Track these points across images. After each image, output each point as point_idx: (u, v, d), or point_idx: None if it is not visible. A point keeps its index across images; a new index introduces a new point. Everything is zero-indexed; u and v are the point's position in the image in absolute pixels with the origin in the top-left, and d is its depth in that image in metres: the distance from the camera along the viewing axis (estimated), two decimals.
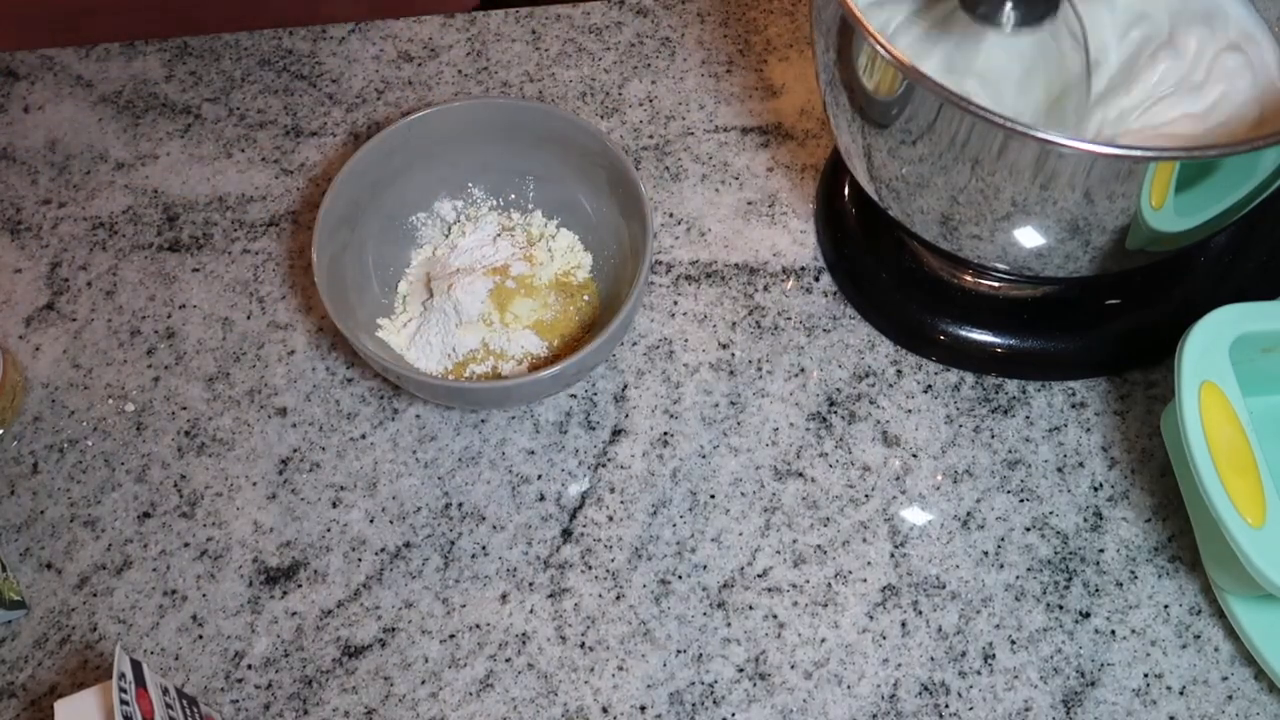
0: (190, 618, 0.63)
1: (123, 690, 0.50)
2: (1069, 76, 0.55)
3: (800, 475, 0.64)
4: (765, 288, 0.70)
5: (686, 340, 0.68)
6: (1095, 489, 0.62)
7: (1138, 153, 0.48)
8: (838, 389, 0.66)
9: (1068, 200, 0.51)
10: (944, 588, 0.61)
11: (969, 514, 0.62)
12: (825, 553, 0.62)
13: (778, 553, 0.62)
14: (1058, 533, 0.61)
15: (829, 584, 0.61)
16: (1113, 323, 0.66)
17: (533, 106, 0.69)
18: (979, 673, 0.58)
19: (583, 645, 0.61)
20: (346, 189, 0.66)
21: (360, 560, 0.64)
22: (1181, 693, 0.57)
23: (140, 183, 0.77)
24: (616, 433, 0.66)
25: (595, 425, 0.66)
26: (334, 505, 0.65)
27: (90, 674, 0.62)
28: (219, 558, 0.65)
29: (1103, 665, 0.58)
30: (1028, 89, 0.56)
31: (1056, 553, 0.61)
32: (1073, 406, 0.65)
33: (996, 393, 0.65)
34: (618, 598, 0.62)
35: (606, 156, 0.66)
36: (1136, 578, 0.60)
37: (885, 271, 0.69)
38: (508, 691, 0.60)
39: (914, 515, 0.62)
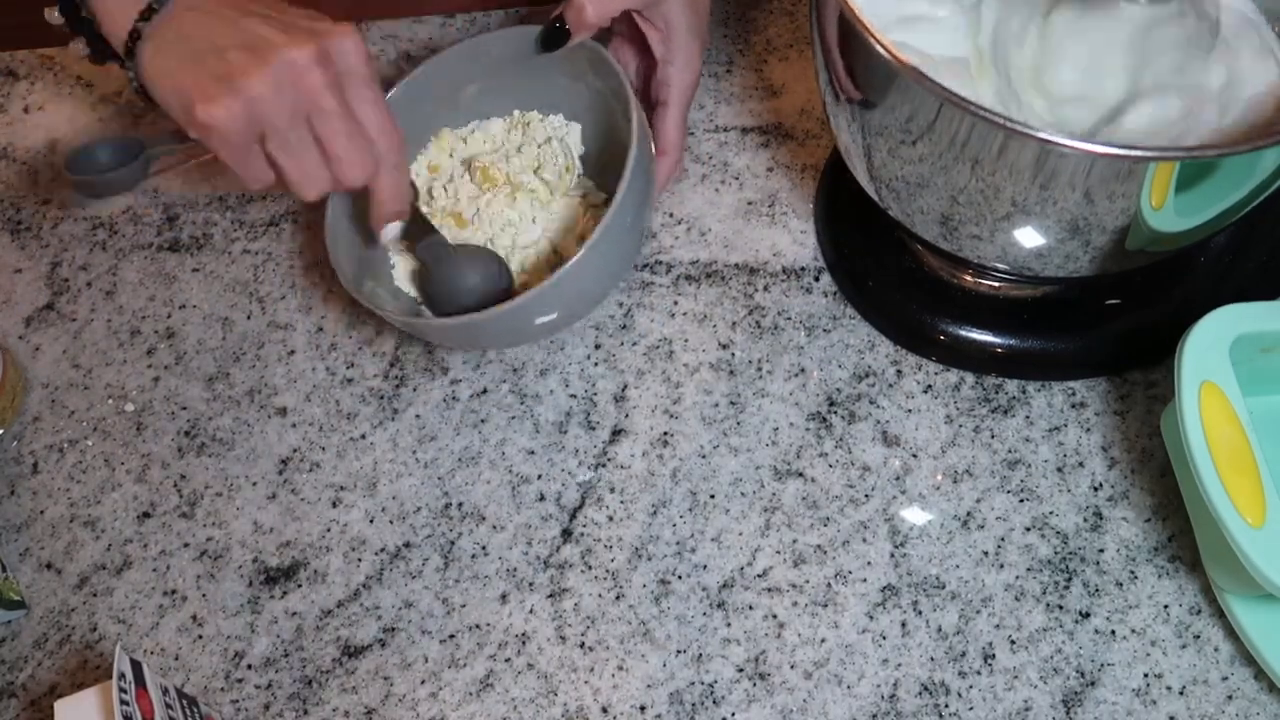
0: (190, 618, 0.63)
1: (123, 690, 0.50)
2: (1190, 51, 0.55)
3: (800, 475, 0.64)
4: (765, 288, 0.70)
5: (686, 340, 0.68)
6: (1095, 489, 0.62)
7: (1138, 153, 0.48)
8: (838, 389, 0.66)
9: (1068, 200, 0.51)
10: (944, 588, 0.61)
11: (969, 514, 0.62)
12: (825, 553, 0.62)
13: (778, 553, 0.62)
14: (1058, 533, 0.61)
15: (829, 584, 0.61)
16: (1113, 323, 0.66)
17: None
18: (979, 673, 0.58)
19: (583, 645, 0.61)
20: None
21: (360, 560, 0.64)
22: (1181, 693, 0.57)
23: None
24: (616, 433, 0.66)
25: (595, 425, 0.66)
26: (334, 505, 0.65)
27: (90, 674, 0.62)
28: (219, 558, 0.65)
29: (1103, 665, 0.58)
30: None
31: (1056, 553, 0.61)
32: (1073, 406, 0.65)
33: (996, 393, 0.65)
34: (618, 598, 0.62)
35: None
36: (1136, 578, 0.60)
37: (885, 271, 0.69)
38: (508, 691, 0.60)
39: (914, 515, 0.62)
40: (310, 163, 0.56)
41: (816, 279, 0.70)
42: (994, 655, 0.59)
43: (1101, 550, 0.61)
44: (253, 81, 0.52)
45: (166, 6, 0.55)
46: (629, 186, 0.59)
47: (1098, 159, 0.48)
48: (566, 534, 0.64)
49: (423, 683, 0.61)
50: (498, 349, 0.69)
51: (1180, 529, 0.61)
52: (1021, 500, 0.62)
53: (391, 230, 0.62)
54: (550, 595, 0.62)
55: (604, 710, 0.59)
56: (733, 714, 0.58)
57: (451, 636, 0.61)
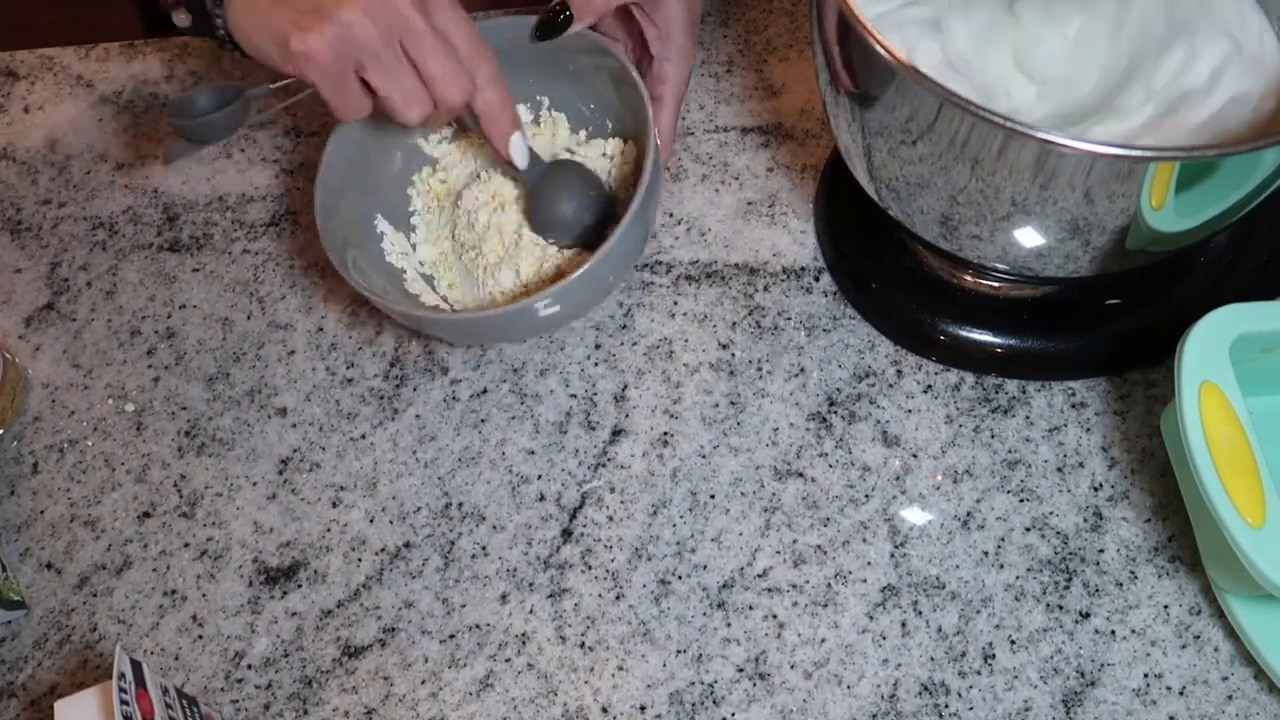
0: (190, 618, 0.63)
1: (123, 690, 0.50)
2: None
3: (800, 475, 0.64)
4: (765, 288, 0.70)
5: (686, 340, 0.68)
6: (1095, 489, 0.62)
7: (1138, 153, 0.48)
8: (838, 389, 0.66)
9: (1068, 200, 0.51)
10: (944, 588, 0.61)
11: (969, 514, 0.62)
12: (825, 553, 0.62)
13: (778, 553, 0.62)
14: (1058, 533, 0.61)
15: (829, 584, 0.61)
16: (1113, 323, 0.66)
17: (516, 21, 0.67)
18: (979, 673, 0.58)
19: (583, 645, 0.61)
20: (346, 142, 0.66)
21: (360, 560, 0.64)
22: (1181, 693, 0.57)
23: (140, 183, 0.77)
24: (616, 433, 0.66)
25: (595, 425, 0.66)
26: (334, 505, 0.65)
27: (90, 674, 0.62)
28: (219, 558, 0.65)
29: (1103, 665, 0.58)
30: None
31: (1056, 553, 0.61)
32: (1073, 406, 0.65)
33: (996, 393, 0.65)
34: (618, 598, 0.62)
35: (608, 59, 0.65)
36: (1136, 578, 0.60)
37: (885, 271, 0.69)
38: (508, 691, 0.60)
39: (914, 515, 0.63)
40: (409, 83, 0.57)
41: (816, 279, 0.70)
42: (994, 655, 0.59)
43: (1101, 550, 0.61)
44: (344, 8, 0.53)
45: None
46: (646, 195, 0.60)
47: (1098, 159, 0.48)
48: (566, 534, 0.64)
49: (423, 683, 0.61)
50: (499, 344, 0.69)
51: (1180, 529, 0.61)
52: (1021, 500, 0.62)
53: (520, 148, 0.62)
54: (550, 595, 0.62)
55: (604, 710, 0.59)
56: (733, 714, 0.58)
57: (451, 636, 0.61)
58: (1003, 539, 0.62)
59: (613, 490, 0.64)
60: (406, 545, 0.64)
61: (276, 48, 0.55)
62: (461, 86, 0.58)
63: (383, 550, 0.64)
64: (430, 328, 0.64)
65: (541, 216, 0.66)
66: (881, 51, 0.50)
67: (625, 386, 0.67)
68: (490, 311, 0.60)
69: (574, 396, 0.67)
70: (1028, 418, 0.65)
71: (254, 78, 0.79)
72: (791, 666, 0.59)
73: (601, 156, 0.69)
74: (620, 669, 0.60)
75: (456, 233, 0.68)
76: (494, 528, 0.64)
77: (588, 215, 0.66)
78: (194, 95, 0.60)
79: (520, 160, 0.63)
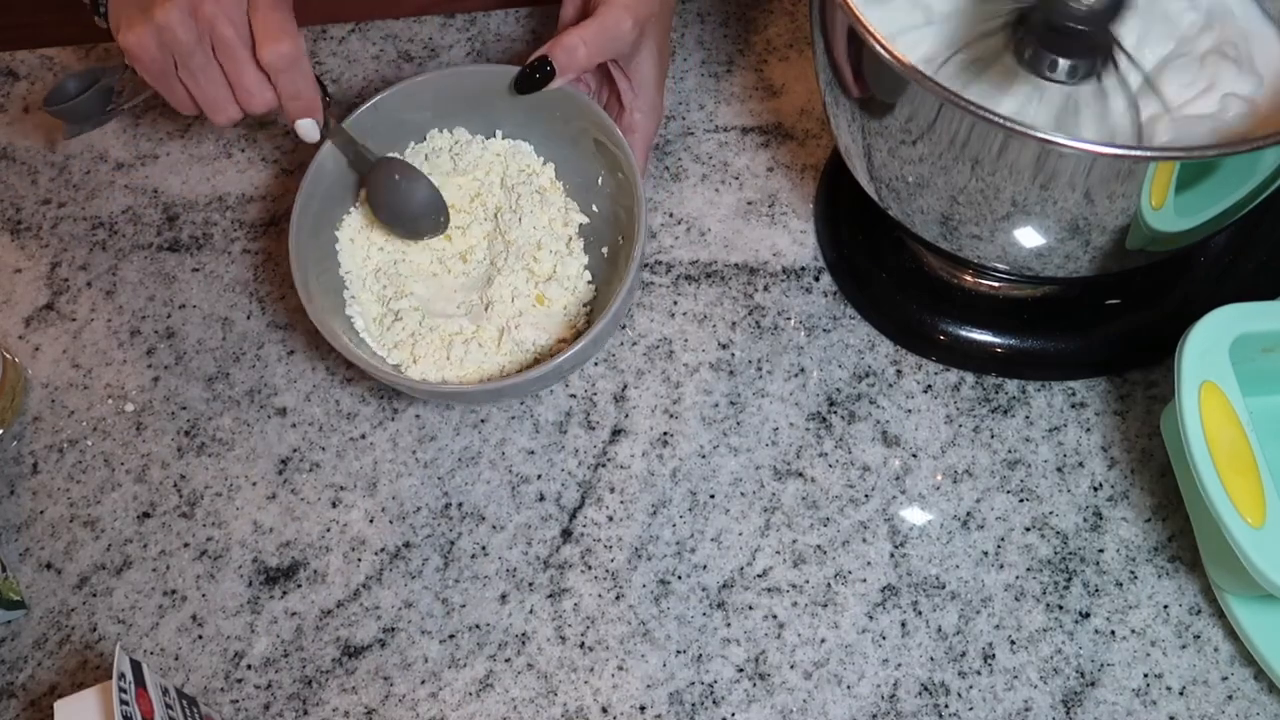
0: (190, 618, 0.63)
1: (123, 690, 0.50)
2: (1111, 129, 0.55)
3: (800, 475, 0.64)
4: (765, 288, 0.70)
5: (686, 340, 0.68)
6: (1095, 489, 0.62)
7: (1138, 153, 0.48)
8: (838, 389, 0.66)
9: (1068, 200, 0.51)
10: (944, 588, 0.61)
11: (969, 514, 0.62)
12: (825, 553, 0.62)
13: (777, 553, 0.62)
14: (1058, 533, 0.61)
15: (829, 584, 0.61)
16: (1113, 323, 0.66)
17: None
18: (979, 673, 0.58)
19: (582, 645, 0.61)
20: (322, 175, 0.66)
21: (360, 560, 0.64)
22: (1181, 693, 0.57)
23: (140, 183, 0.77)
24: (616, 433, 0.66)
25: (595, 425, 0.66)
26: (334, 505, 0.66)
27: (90, 674, 0.62)
28: (219, 558, 0.65)
29: (1103, 665, 0.58)
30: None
31: (1056, 553, 0.61)
32: (1073, 406, 0.65)
33: (996, 393, 0.65)
34: (617, 598, 0.62)
35: (602, 131, 0.65)
36: (1136, 578, 0.60)
37: (885, 271, 0.69)
38: (508, 691, 0.60)
39: (914, 515, 0.63)
40: (215, 88, 0.60)
41: (816, 279, 0.70)
42: (994, 655, 0.59)
43: (1101, 550, 0.61)
44: (159, 10, 0.57)
45: None
46: (632, 281, 0.60)
47: (1098, 159, 0.48)
48: (566, 534, 0.64)
49: (423, 683, 0.61)
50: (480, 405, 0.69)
51: (1180, 529, 0.61)
52: (1021, 500, 0.62)
53: (306, 127, 0.64)
54: (550, 595, 0.62)
55: (604, 710, 0.59)
56: (733, 714, 0.58)
57: (451, 636, 0.61)
58: (1003, 539, 0.62)
59: (613, 490, 0.64)
60: (406, 545, 0.64)
61: (115, 36, 0.60)
62: (265, 99, 0.61)
63: (382, 550, 0.64)
64: (406, 388, 0.63)
65: (381, 200, 0.67)
66: (882, 51, 0.50)
67: (625, 386, 0.67)
68: (477, 387, 0.61)
69: (574, 396, 0.67)
70: (1028, 418, 0.65)
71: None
72: (791, 666, 0.59)
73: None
74: (620, 669, 0.60)
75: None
76: (494, 528, 0.64)
77: (423, 214, 0.67)
78: (64, 81, 0.66)
79: (305, 137, 0.64)
